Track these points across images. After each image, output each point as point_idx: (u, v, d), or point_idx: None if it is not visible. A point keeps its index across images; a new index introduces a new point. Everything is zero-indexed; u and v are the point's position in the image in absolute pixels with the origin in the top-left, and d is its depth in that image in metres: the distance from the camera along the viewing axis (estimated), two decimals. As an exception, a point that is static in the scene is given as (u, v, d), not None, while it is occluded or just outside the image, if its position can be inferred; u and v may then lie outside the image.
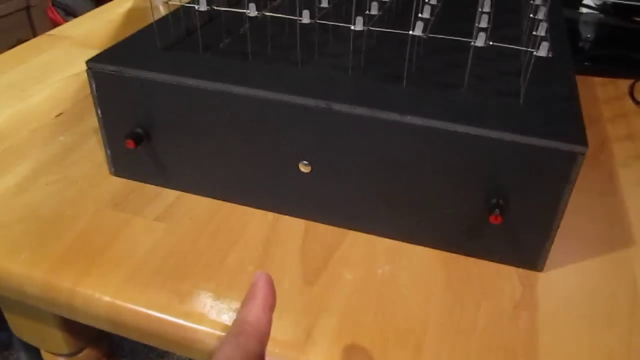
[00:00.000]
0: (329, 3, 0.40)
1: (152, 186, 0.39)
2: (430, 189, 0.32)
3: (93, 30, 0.63)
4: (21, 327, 0.42)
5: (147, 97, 0.35)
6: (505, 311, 0.31)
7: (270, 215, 0.37)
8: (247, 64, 0.35)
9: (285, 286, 0.32)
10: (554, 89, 0.33)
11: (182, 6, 0.40)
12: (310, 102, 0.31)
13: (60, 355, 0.42)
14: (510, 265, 0.33)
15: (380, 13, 0.36)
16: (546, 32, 0.34)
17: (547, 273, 0.33)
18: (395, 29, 0.33)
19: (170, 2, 0.37)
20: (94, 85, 0.36)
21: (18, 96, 0.49)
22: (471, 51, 0.32)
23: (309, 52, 0.38)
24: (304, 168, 0.34)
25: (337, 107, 0.31)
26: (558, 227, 0.31)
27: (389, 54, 0.39)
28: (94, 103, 0.37)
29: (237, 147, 0.35)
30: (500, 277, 0.33)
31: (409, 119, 0.30)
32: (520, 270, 0.33)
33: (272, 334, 0.23)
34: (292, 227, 0.36)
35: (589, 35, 0.63)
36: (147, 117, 0.36)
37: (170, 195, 0.38)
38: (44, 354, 0.44)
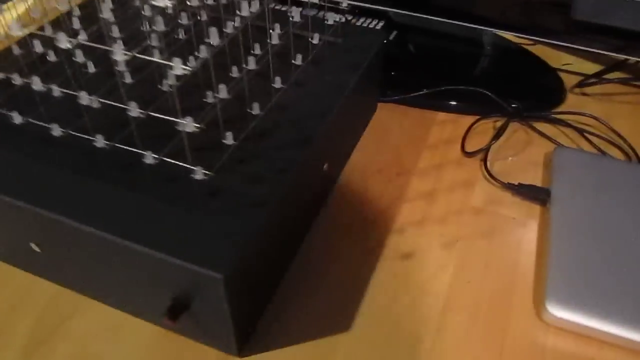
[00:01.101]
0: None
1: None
2: (126, 281, 0.35)
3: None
4: None
5: None
6: (183, 398, 0.34)
7: (30, 277, 0.40)
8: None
9: (4, 356, 0.36)
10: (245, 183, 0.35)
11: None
12: (22, 204, 0.34)
13: None
14: (212, 347, 0.36)
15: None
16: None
17: (246, 359, 0.36)
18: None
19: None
20: None
21: None
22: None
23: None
24: (35, 248, 0.37)
25: (40, 211, 0.33)
26: (236, 325, 0.34)
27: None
28: None
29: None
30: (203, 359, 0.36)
31: (86, 228, 0.32)
32: (220, 354, 0.36)
33: None
34: (41, 290, 0.39)
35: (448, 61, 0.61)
36: None
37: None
38: None
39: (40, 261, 0.38)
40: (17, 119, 0.38)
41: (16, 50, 0.44)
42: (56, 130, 0.37)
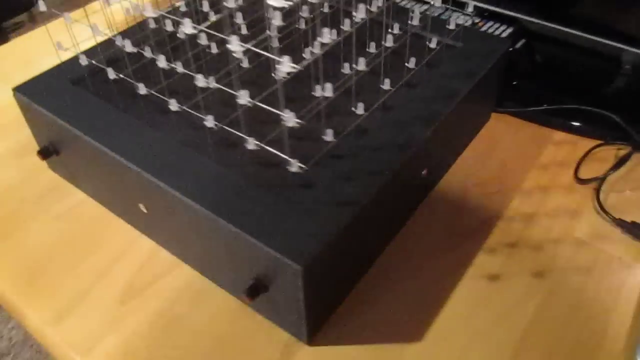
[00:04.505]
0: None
1: (71, 185, 0.48)
2: (214, 252, 0.37)
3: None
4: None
5: (48, 125, 0.43)
6: (249, 373, 0.36)
7: (135, 233, 0.44)
8: (116, 118, 0.41)
9: (103, 299, 0.40)
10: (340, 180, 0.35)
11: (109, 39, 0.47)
12: (134, 168, 0.37)
13: None
14: (284, 330, 0.38)
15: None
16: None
17: (313, 348, 0.37)
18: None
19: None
20: (20, 106, 0.45)
21: None
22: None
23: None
24: (143, 208, 0.40)
25: (147, 176, 0.36)
26: (309, 314, 0.35)
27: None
28: (24, 117, 0.46)
29: (105, 179, 0.42)
30: (270, 339, 0.37)
31: (183, 198, 0.35)
32: (291, 337, 0.37)
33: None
34: (143, 246, 0.43)
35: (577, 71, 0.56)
36: (54, 137, 0.44)
37: (77, 196, 0.47)
38: None
39: (145, 221, 0.42)
40: (142, 90, 0.42)
41: (151, 25, 0.48)
42: (173, 105, 0.40)
